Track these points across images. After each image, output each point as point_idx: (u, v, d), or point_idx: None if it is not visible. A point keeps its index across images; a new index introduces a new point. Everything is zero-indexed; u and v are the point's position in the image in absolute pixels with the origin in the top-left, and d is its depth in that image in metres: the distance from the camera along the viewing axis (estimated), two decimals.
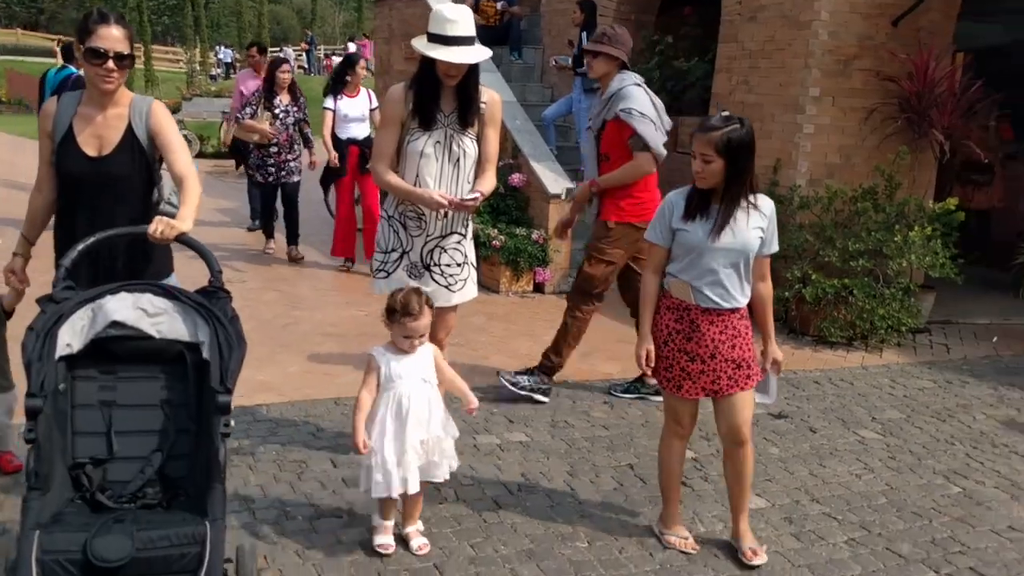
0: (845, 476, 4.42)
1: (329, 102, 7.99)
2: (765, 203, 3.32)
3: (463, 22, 3.68)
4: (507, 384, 5.09)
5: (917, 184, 7.34)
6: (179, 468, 2.71)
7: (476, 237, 7.73)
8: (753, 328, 3.45)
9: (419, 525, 3.47)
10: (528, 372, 5.20)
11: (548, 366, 5.19)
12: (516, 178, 8.13)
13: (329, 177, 8.24)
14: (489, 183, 3.89)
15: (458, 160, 3.80)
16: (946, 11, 7.35)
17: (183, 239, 2.86)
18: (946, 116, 7.12)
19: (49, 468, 2.47)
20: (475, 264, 4.12)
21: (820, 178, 7.20)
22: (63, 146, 3.18)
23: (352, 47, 38.01)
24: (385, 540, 3.38)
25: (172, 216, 3.05)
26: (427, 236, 3.87)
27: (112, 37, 3.07)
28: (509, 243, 7.67)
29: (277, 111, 8.09)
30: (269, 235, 8.70)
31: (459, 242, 3.94)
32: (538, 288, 7.90)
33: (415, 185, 3.78)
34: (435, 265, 3.90)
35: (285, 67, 8.26)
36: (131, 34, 3.17)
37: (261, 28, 38.85)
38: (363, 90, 8.13)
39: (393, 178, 3.81)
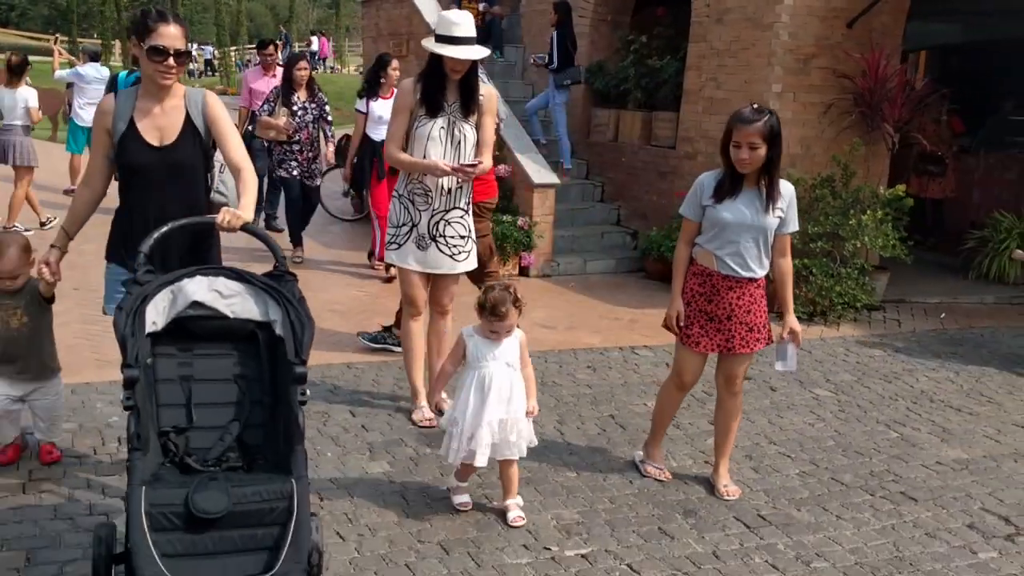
0: (799, 425, 5.04)
1: (361, 104, 7.93)
2: (786, 187, 3.85)
3: (466, 25, 4.28)
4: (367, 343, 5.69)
5: (871, 173, 7.98)
6: (256, 436, 2.93)
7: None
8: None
9: (518, 499, 3.71)
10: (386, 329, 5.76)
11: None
12: (502, 169, 8.67)
13: (362, 178, 8.13)
14: (487, 160, 4.49)
15: (459, 143, 4.39)
16: (896, 14, 8.00)
17: (247, 228, 3.07)
18: (896, 110, 7.77)
19: (146, 431, 2.69)
20: (475, 239, 4.70)
21: (783, 167, 7.79)
22: (126, 139, 3.31)
23: (315, 42, 38.23)
24: (461, 499, 3.73)
25: (221, 204, 3.31)
26: (433, 210, 4.45)
27: (171, 35, 3.21)
28: (496, 229, 8.21)
29: (295, 108, 8.06)
30: (297, 242, 8.42)
31: (461, 216, 4.52)
32: (523, 272, 8.48)
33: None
34: (440, 236, 4.48)
35: (302, 64, 8.24)
36: (187, 31, 3.31)
37: (239, 26, 39.08)
38: (396, 91, 8.42)
39: (404, 155, 4.41)
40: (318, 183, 8.56)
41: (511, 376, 3.60)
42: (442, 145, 4.37)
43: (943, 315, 7.88)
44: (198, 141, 3.38)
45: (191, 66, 37.85)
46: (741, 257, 3.80)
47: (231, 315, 2.93)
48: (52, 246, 3.45)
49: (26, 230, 8.20)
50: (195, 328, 2.93)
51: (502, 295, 3.53)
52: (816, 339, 6.90)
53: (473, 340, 3.63)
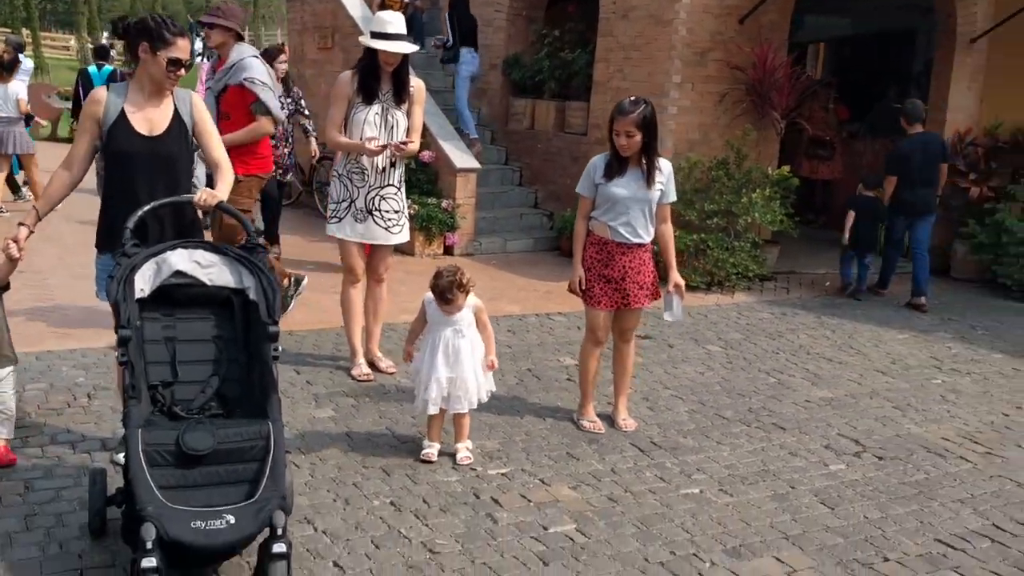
0: (691, 374, 5.78)
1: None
2: (665, 165, 4.53)
3: (397, 23, 4.89)
4: None
5: (762, 156, 8.81)
6: (233, 389, 3.29)
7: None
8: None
9: (467, 444, 4.21)
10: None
11: None
12: (426, 155, 9.27)
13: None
14: (415, 142, 5.12)
15: (392, 128, 4.99)
16: (783, 11, 8.83)
17: (221, 206, 3.52)
18: (784, 99, 8.60)
19: (139, 384, 3.06)
20: (408, 216, 5.30)
21: (683, 151, 8.58)
22: (116, 127, 3.59)
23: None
24: (427, 451, 4.16)
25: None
26: (369, 187, 5.03)
27: (185, 48, 3.58)
28: (422, 211, 8.81)
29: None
30: (274, 240, 8.21)
31: (395, 193, 5.11)
32: (448, 250, 9.08)
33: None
34: (376, 211, 5.06)
35: (283, 57, 8.03)
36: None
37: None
38: (336, 81, 8.09)
39: (342, 138, 5.00)
40: (289, 177, 8.63)
41: (459, 340, 4.09)
42: (377, 129, 4.95)
43: (827, 283, 8.76)
44: (184, 134, 3.69)
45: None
46: (631, 226, 4.48)
47: (209, 283, 3.30)
48: (21, 224, 3.56)
49: None
50: (177, 295, 3.30)
51: (449, 283, 3.99)
52: (712, 305, 7.67)
53: (432, 307, 4.13)
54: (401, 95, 5.01)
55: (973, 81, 9.47)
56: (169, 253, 3.28)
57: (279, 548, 2.80)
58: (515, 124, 10.90)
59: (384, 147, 4.95)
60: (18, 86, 10.04)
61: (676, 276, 4.65)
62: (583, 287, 4.62)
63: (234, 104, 5.59)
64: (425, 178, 9.29)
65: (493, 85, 11.09)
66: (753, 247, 8.35)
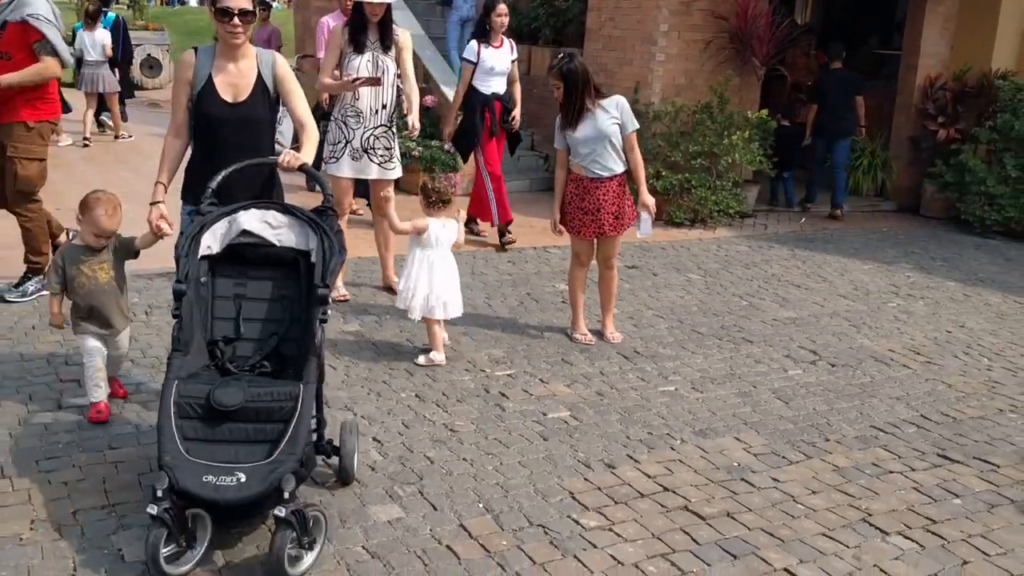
0: (672, 297, 6.48)
1: (471, 52, 7.28)
2: (611, 101, 5.18)
3: None
4: (15, 297, 5.39)
5: (744, 100, 9.41)
6: (291, 348, 3.33)
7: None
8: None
9: (438, 351, 4.84)
10: (24, 278, 5.50)
11: (37, 267, 5.46)
12: (428, 99, 9.84)
13: (468, 138, 7.49)
14: (410, 85, 5.75)
15: (383, 73, 5.64)
16: None
17: (304, 168, 3.53)
18: (764, 46, 9.18)
19: (189, 337, 3.14)
20: (400, 155, 5.92)
21: (670, 96, 9.18)
22: (204, 93, 3.67)
23: None
24: (436, 357, 4.85)
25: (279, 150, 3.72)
26: (364, 128, 5.67)
27: None
28: (425, 153, 9.41)
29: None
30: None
31: (385, 132, 5.75)
32: None
33: (353, 94, 5.61)
34: (371, 150, 5.70)
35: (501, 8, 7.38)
36: None
37: None
38: (506, 40, 7.40)
39: (331, 80, 5.64)
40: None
41: (441, 262, 4.83)
42: (368, 75, 5.58)
43: (803, 220, 9.44)
44: (267, 98, 3.76)
45: None
46: (598, 162, 5.15)
47: (277, 243, 3.34)
48: (155, 203, 3.69)
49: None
50: (248, 254, 3.37)
51: (432, 189, 4.94)
52: (695, 240, 8.35)
53: (433, 227, 4.86)
54: (387, 42, 5.63)
55: (944, 28, 10.04)
56: (241, 213, 3.33)
57: (279, 512, 2.78)
58: None
59: (365, 80, 5.51)
60: (103, 34, 11.47)
61: (645, 196, 5.31)
62: (559, 226, 5.30)
63: (15, 44, 5.13)
64: (428, 122, 9.87)
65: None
66: (734, 186, 9.00)
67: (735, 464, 3.96)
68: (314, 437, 3.29)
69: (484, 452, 3.90)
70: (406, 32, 5.84)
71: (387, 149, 5.79)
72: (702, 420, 4.41)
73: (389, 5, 5.59)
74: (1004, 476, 4.03)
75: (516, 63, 7.53)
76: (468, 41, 7.64)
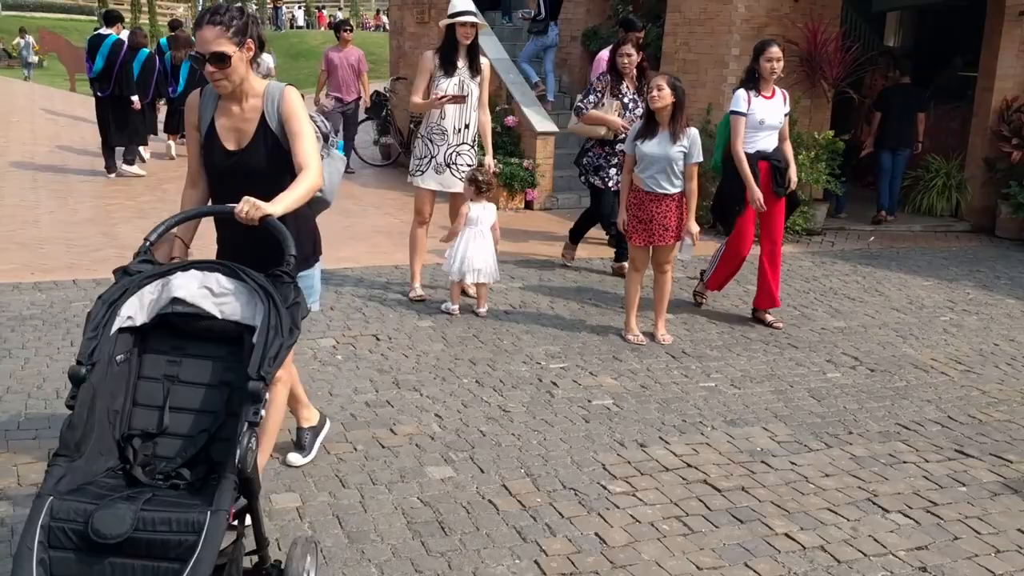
0: (727, 306, 6.88)
1: (740, 102, 6.04)
2: (691, 132, 5.63)
3: (466, 4, 6.15)
4: None
5: (814, 121, 9.72)
6: (223, 451, 2.58)
7: (480, 165, 10.11)
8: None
9: (484, 307, 6.17)
10: None
11: None
12: (510, 120, 10.46)
13: (731, 204, 6.30)
14: (486, 116, 6.43)
15: (467, 95, 6.21)
16: None
17: (266, 221, 2.80)
18: (834, 69, 9.49)
19: (80, 436, 2.43)
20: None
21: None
22: (208, 140, 3.26)
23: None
24: (453, 307, 6.14)
25: (319, 200, 3.43)
26: (448, 145, 6.27)
27: (205, 39, 3.04)
28: (505, 170, 10.03)
29: (625, 99, 7.08)
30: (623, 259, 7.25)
31: (468, 150, 6.35)
32: (528, 205, 10.29)
33: (441, 110, 6.21)
34: (453, 164, 6.30)
35: (628, 48, 7.10)
36: (229, 29, 3.05)
37: None
38: (778, 90, 6.21)
39: (421, 100, 6.24)
40: None
41: (479, 237, 6.04)
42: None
43: (872, 238, 9.66)
44: (273, 144, 3.23)
45: None
46: (657, 179, 5.61)
47: (219, 315, 2.68)
48: (172, 258, 3.21)
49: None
50: (187, 326, 2.71)
51: (476, 179, 6.04)
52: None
53: (474, 209, 6.01)
54: (475, 67, 6.23)
55: (1021, 51, 10.14)
56: (178, 275, 2.71)
57: None
58: None
59: (451, 97, 6.11)
60: (268, 58, 12.57)
61: (691, 223, 5.73)
62: (626, 227, 5.78)
63: None
64: (509, 140, 10.50)
65: (573, 56, 12.18)
66: (802, 204, 9.30)
67: (758, 449, 4.38)
68: (252, 561, 2.73)
69: (531, 429, 4.42)
70: (488, 63, 6.44)
71: (468, 165, 6.38)
72: (735, 412, 4.83)
73: (477, 32, 6.21)
74: (1015, 470, 4.33)
75: (789, 116, 6.35)
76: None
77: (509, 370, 5.21)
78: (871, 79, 11.23)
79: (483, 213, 6.07)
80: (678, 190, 5.69)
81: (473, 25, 6.13)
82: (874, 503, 3.91)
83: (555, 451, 4.19)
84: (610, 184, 7.14)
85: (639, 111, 6.87)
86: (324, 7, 50.43)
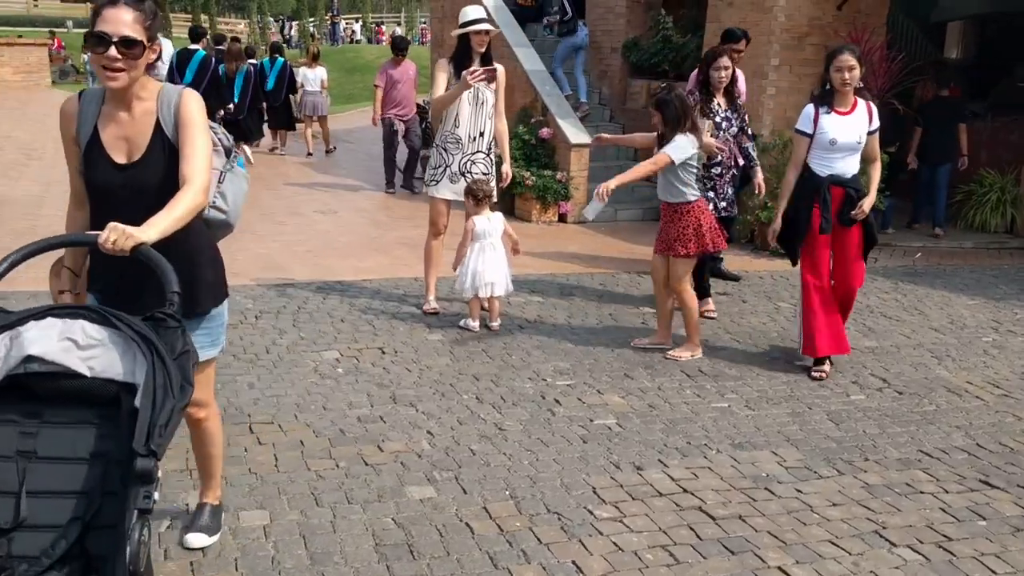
0: (755, 324, 6.61)
1: (805, 121, 5.28)
2: (676, 138, 5.51)
3: (477, 12, 6.10)
4: None
5: None
6: (102, 543, 2.12)
7: (512, 178, 9.99)
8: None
9: (497, 321, 6.04)
10: None
11: None
12: (545, 132, 10.33)
13: (796, 235, 5.48)
14: (502, 123, 6.32)
15: (482, 103, 6.13)
16: None
17: (138, 251, 2.30)
18: (878, 80, 9.16)
19: None
20: (496, 178, 6.39)
21: (780, 129, 9.27)
22: (90, 153, 2.70)
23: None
24: (472, 324, 5.98)
25: (218, 222, 2.91)
26: (463, 153, 6.16)
27: (117, 19, 2.55)
28: (538, 182, 9.89)
29: (717, 118, 6.40)
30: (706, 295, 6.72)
31: (484, 158, 6.23)
32: (561, 218, 10.13)
33: (455, 118, 6.10)
34: (468, 173, 6.18)
35: (724, 61, 6.34)
36: (146, 20, 2.60)
37: None
38: (860, 103, 5.30)
39: (443, 95, 6.06)
40: (735, 212, 6.86)
41: (490, 250, 5.89)
42: (470, 105, 6.10)
43: (918, 255, 9.28)
44: (170, 152, 2.70)
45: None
46: (661, 187, 5.67)
47: (88, 372, 2.20)
48: (61, 292, 2.89)
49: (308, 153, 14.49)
50: (43, 388, 2.21)
51: (475, 189, 5.96)
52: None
53: (479, 223, 5.90)
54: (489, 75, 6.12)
55: None
56: (31, 325, 2.23)
57: None
58: (632, 103, 11.79)
59: (480, 73, 5.91)
60: (321, 71, 14.88)
61: (606, 183, 5.38)
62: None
63: None
64: (543, 152, 10.36)
65: (613, 67, 12.00)
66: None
67: (763, 474, 4.15)
68: None
69: (524, 449, 4.25)
70: (503, 69, 6.32)
71: (484, 174, 6.26)
72: (744, 434, 4.59)
73: (489, 44, 6.10)
74: None
75: (876, 134, 5.38)
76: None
77: (512, 386, 5.05)
78: (922, 90, 10.83)
79: (489, 225, 5.95)
80: (678, 200, 5.61)
81: (487, 32, 6.03)
82: (881, 536, 3.65)
83: (545, 472, 4.02)
84: (708, 208, 6.12)
85: (734, 130, 6.50)
86: (383, 22, 51.10)
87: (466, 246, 5.94)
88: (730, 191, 6.62)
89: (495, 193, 6.25)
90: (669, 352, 5.74)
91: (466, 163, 6.20)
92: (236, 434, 4.20)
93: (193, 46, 11.99)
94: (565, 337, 6.01)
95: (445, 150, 6.22)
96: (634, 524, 3.61)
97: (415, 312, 6.34)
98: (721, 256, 7.35)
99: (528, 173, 9.97)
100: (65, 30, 39.99)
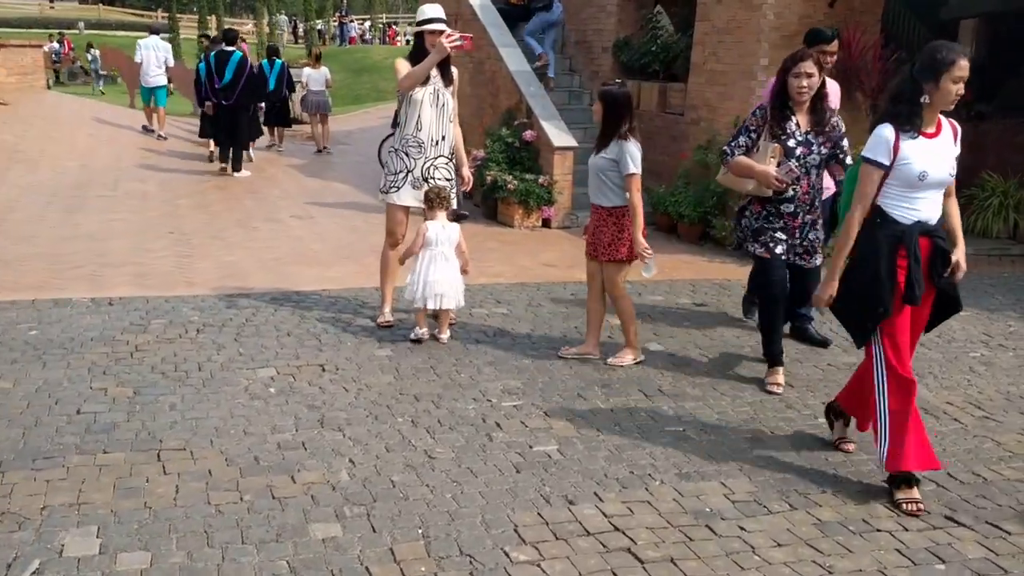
0: (728, 338, 6.29)
1: (880, 147, 3.81)
2: (624, 143, 5.26)
3: (434, 11, 5.78)
4: None
5: (849, 133, 8.99)
6: None
7: (494, 182, 9.70)
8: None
9: (447, 332, 5.82)
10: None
11: None
12: (528, 134, 10.02)
13: (866, 304, 3.94)
14: (457, 129, 6.07)
15: (443, 106, 5.85)
16: None
17: None
18: (872, 80, 8.79)
19: None
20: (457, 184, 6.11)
21: None
22: None
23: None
24: (419, 333, 5.75)
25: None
26: (425, 158, 5.86)
27: None
28: (521, 186, 9.59)
29: (790, 141, 5.03)
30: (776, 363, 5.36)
31: (446, 163, 5.93)
32: (545, 223, 9.82)
33: (416, 121, 5.80)
34: (431, 179, 5.89)
35: (807, 66, 4.89)
36: None
37: None
38: (944, 123, 3.88)
39: (414, 69, 5.67)
40: (818, 263, 5.31)
41: (442, 260, 5.62)
42: (431, 108, 5.81)
43: None
44: None
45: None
46: (593, 190, 5.45)
47: None
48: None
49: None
50: None
51: (433, 195, 5.73)
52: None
53: (432, 228, 5.64)
54: (448, 77, 5.86)
55: None
56: None
57: None
58: None
59: (454, 38, 5.56)
60: (325, 71, 15.96)
61: (637, 238, 5.32)
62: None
63: None
64: (527, 156, 10.06)
65: (604, 67, 11.68)
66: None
67: (706, 509, 3.83)
68: None
69: (450, 480, 3.95)
70: (457, 71, 6.05)
71: (447, 180, 5.97)
72: (694, 463, 4.28)
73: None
74: (1011, 544, 3.68)
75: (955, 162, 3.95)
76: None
77: (453, 408, 4.76)
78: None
79: (443, 232, 5.67)
80: (614, 205, 5.36)
81: (442, 32, 5.73)
82: None
83: (467, 508, 3.71)
84: (778, 251, 5.15)
85: (815, 158, 5.08)
86: (397, 23, 50.89)
87: (416, 248, 5.68)
88: (812, 235, 5.22)
89: (455, 200, 5.97)
90: (610, 359, 5.53)
91: (428, 168, 5.91)
92: (141, 463, 3.93)
93: (229, 48, 12.64)
94: (524, 352, 5.71)
95: (407, 154, 5.92)
96: (551, 568, 3.30)
97: (368, 325, 6.06)
98: (811, 316, 6.19)
99: (510, 177, 9.67)
100: (76, 31, 40.08)
